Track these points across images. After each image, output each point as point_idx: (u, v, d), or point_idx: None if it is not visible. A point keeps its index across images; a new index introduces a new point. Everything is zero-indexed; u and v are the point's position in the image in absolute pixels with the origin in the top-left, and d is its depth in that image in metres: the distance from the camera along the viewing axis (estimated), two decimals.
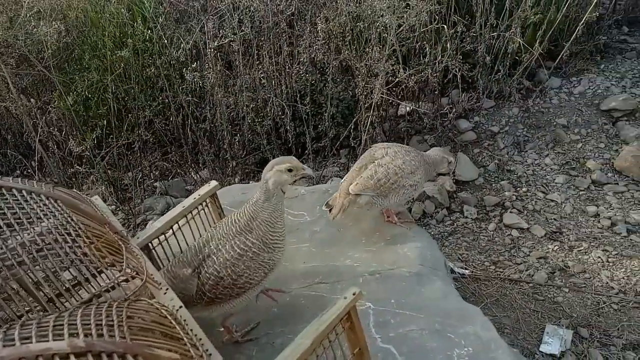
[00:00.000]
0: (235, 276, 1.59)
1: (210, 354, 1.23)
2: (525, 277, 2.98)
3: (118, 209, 4.22)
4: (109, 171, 4.26)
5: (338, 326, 1.34)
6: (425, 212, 3.53)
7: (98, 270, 1.28)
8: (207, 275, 1.61)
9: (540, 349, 2.53)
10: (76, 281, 1.42)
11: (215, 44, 3.13)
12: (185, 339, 1.16)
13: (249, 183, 3.74)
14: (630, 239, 3.18)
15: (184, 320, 1.32)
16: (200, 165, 4.22)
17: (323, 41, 3.29)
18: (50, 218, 1.38)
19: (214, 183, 1.96)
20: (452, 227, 3.43)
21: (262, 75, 3.70)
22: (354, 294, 1.34)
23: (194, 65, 3.35)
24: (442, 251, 3.24)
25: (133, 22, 3.82)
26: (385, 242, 2.18)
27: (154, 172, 4.42)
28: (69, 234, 1.34)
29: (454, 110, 4.03)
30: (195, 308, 1.64)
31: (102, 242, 1.43)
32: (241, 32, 3.30)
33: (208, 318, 1.71)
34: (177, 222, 1.85)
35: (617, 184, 3.57)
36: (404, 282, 1.93)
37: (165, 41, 3.67)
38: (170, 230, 1.86)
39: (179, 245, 1.95)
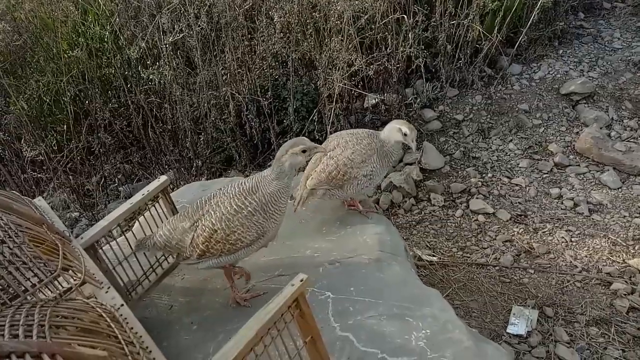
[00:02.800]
0: (229, 231, 1.65)
1: (150, 351, 1.18)
2: (492, 261, 3.00)
3: (82, 215, 4.09)
4: (70, 177, 4.12)
5: (286, 314, 1.30)
6: (393, 202, 3.52)
7: (29, 270, 1.21)
8: (203, 227, 1.67)
9: (507, 330, 2.54)
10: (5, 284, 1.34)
11: (170, 39, 3.05)
12: (120, 336, 1.10)
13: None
14: (592, 219, 3.24)
15: (125, 319, 1.26)
16: (165, 166, 4.13)
17: (281, 34, 3.24)
18: None
19: (163, 178, 1.89)
20: (420, 216, 3.43)
21: (223, 71, 3.64)
22: (301, 281, 1.31)
23: (149, 63, 3.25)
24: (410, 239, 3.25)
25: (85, 22, 3.70)
26: (346, 230, 2.15)
27: (117, 176, 4.30)
28: None
29: (418, 100, 4.04)
30: (189, 260, 1.75)
31: (36, 241, 1.36)
32: (198, 27, 3.22)
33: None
34: (125, 220, 1.78)
35: (579, 165, 3.64)
36: (363, 270, 1.91)
37: (121, 39, 3.57)
38: (119, 229, 1.79)
39: (129, 244, 1.88)
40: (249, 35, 3.66)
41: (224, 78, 3.65)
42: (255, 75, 3.65)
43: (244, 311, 1.86)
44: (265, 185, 1.70)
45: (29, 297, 1.18)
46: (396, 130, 2.05)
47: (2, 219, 1.32)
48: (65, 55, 3.76)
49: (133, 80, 3.72)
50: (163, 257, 1.97)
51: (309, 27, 3.40)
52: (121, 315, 1.27)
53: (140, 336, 1.21)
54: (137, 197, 1.82)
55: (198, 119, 3.85)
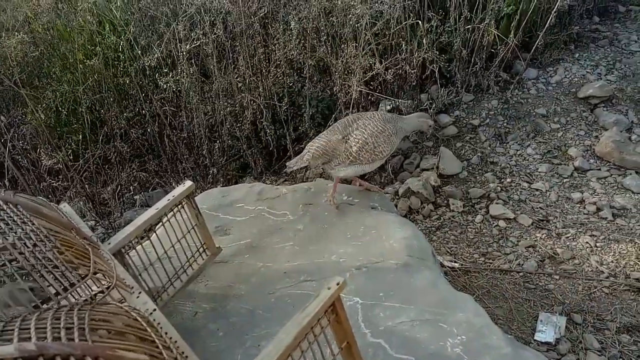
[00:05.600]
0: (376, 144, 2.22)
1: (187, 356, 1.14)
2: (515, 267, 2.94)
3: (98, 223, 4.09)
4: (86, 185, 4.13)
5: (323, 319, 1.26)
6: (411, 208, 3.48)
7: (60, 274, 1.19)
8: (356, 140, 2.21)
9: (535, 338, 2.48)
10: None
11: (187, 47, 3.05)
12: (157, 341, 1.07)
13: None
14: (616, 223, 3.17)
15: (158, 324, 1.23)
16: (181, 174, 4.12)
17: (297, 40, 3.24)
18: (8, 223, 1.29)
19: (188, 183, 1.87)
20: (439, 222, 3.38)
21: (238, 79, 3.64)
22: (337, 284, 1.27)
23: (165, 71, 3.26)
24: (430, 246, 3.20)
25: (101, 32, 3.73)
26: (371, 235, 2.12)
27: (133, 184, 4.30)
28: (29, 239, 1.25)
29: (433, 105, 4.02)
30: (338, 168, 2.26)
31: (66, 245, 1.33)
32: (213, 34, 3.24)
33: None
34: (150, 225, 1.76)
35: (600, 169, 3.58)
36: (392, 274, 1.87)
37: (137, 48, 3.59)
38: (145, 235, 1.77)
39: (155, 250, 1.86)
40: (264, 43, 3.67)
41: (239, 86, 3.65)
42: (270, 83, 3.65)
43: (269, 317, 1.83)
44: (395, 122, 2.30)
45: (61, 301, 1.16)
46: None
47: (33, 223, 1.31)
48: (82, 65, 3.79)
49: (149, 89, 3.73)
50: (188, 264, 1.95)
51: (324, 33, 3.40)
52: (154, 320, 1.24)
53: (175, 341, 1.18)
54: (163, 202, 1.80)
55: (214, 126, 3.85)
